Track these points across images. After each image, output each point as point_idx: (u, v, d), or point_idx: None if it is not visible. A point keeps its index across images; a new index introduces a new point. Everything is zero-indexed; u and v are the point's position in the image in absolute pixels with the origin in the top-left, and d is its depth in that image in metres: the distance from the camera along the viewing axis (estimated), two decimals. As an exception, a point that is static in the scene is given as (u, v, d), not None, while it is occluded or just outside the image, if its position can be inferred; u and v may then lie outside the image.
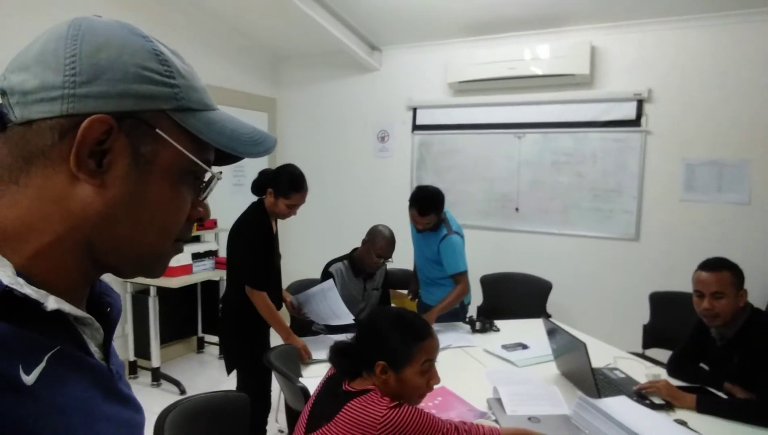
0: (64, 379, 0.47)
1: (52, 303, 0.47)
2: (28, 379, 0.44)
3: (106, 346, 0.56)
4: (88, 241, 0.51)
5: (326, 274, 3.05)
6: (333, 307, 2.77)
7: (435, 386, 1.53)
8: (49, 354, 0.46)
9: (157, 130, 0.52)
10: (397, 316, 1.56)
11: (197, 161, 0.55)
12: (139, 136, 0.51)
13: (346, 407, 1.39)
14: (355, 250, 3.15)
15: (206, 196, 0.61)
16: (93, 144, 0.49)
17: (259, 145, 0.59)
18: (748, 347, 2.06)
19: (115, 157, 0.50)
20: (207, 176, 0.59)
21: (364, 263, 3.06)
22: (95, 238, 0.51)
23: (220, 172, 0.60)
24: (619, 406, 1.86)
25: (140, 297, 3.97)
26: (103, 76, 0.49)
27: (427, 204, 2.92)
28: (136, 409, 0.59)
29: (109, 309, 0.60)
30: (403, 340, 1.45)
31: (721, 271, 2.12)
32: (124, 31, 0.52)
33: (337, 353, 1.52)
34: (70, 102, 0.48)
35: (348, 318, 2.75)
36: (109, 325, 0.57)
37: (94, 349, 0.53)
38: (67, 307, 0.48)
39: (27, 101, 0.48)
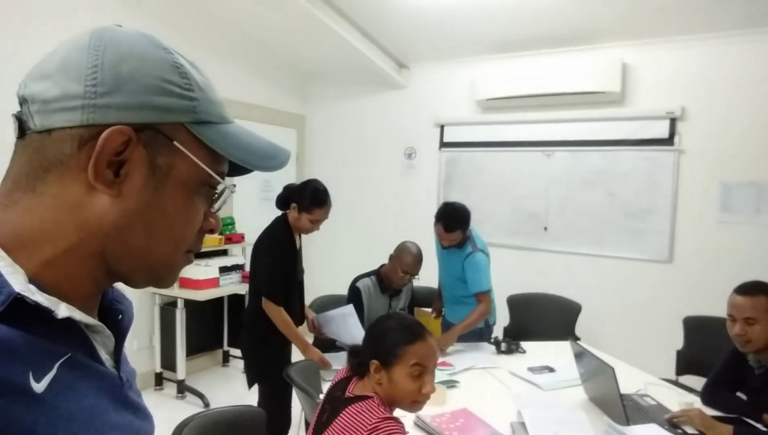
0: (75, 387, 0.47)
1: (63, 310, 0.47)
2: (39, 387, 0.43)
3: (117, 354, 0.56)
4: (102, 250, 0.51)
5: (354, 290, 3.04)
6: (352, 330, 2.74)
7: (448, 406, 1.53)
8: (60, 361, 0.46)
9: (175, 143, 0.52)
10: (396, 318, 1.62)
11: (212, 174, 0.55)
12: (157, 148, 0.52)
13: (344, 412, 1.42)
14: (382, 266, 3.14)
15: (219, 208, 0.61)
16: (112, 154, 0.49)
17: (273, 159, 0.60)
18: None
19: (132, 168, 0.50)
20: (220, 188, 0.59)
21: (391, 279, 3.04)
22: (109, 248, 0.51)
23: (234, 185, 0.60)
24: (649, 434, 1.78)
25: (168, 309, 4.02)
26: (124, 87, 0.49)
27: (453, 220, 2.91)
28: (146, 417, 0.59)
29: (120, 316, 0.60)
30: (395, 339, 1.49)
31: (757, 295, 2.03)
32: (146, 42, 0.53)
33: (350, 353, 1.59)
34: (91, 112, 0.48)
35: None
36: (120, 332, 0.57)
37: (104, 356, 0.54)
38: (78, 315, 0.48)
39: (47, 110, 0.49)
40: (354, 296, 3.03)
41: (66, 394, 0.46)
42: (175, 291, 3.94)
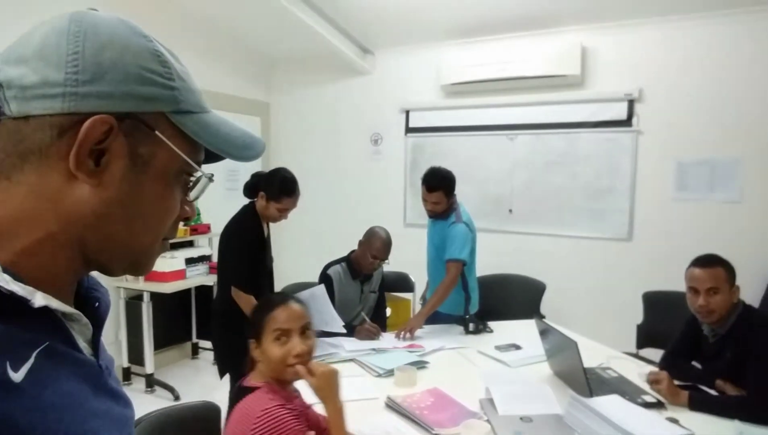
0: (53, 376, 0.47)
1: (39, 299, 0.46)
2: (16, 377, 0.43)
3: (95, 342, 0.56)
4: (80, 239, 0.51)
5: (325, 277, 3.05)
6: (323, 311, 2.75)
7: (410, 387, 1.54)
8: (37, 350, 0.46)
9: (157, 133, 0.52)
10: (264, 297, 1.70)
11: (192, 164, 0.56)
12: (138, 137, 0.51)
13: (235, 408, 1.45)
14: (352, 252, 3.15)
15: (197, 197, 0.61)
16: (93, 143, 0.49)
17: (250, 149, 0.60)
18: (739, 344, 2.06)
19: (113, 157, 0.50)
20: (196, 175, 0.59)
21: (361, 265, 3.05)
22: (88, 237, 0.51)
23: (212, 175, 0.60)
24: (611, 405, 1.86)
25: (134, 303, 3.95)
26: (106, 75, 0.49)
27: (435, 179, 2.96)
28: (126, 403, 0.59)
29: (97, 304, 0.59)
30: (259, 314, 1.54)
31: (715, 266, 2.12)
32: (126, 29, 0.52)
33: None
34: (72, 100, 0.48)
35: (337, 325, 2.74)
36: (97, 320, 0.57)
37: (83, 344, 0.53)
38: (55, 304, 0.48)
39: (26, 96, 0.48)
40: (325, 283, 3.04)
41: (45, 383, 0.46)
42: (140, 284, 3.87)
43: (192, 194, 0.60)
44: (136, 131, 0.51)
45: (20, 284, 0.46)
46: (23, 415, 0.43)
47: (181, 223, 0.62)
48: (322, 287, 2.84)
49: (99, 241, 0.52)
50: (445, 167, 3.07)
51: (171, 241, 0.62)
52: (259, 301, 1.63)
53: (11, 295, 0.45)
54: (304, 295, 2.78)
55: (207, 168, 0.62)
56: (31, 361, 0.45)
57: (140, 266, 0.58)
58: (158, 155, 0.53)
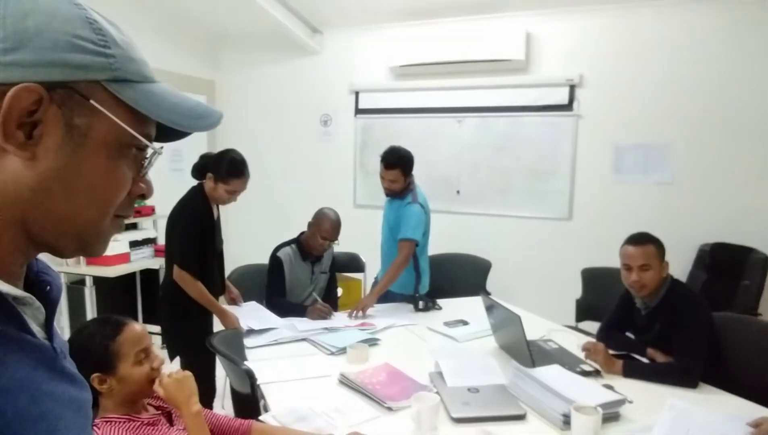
0: (6, 361, 0.46)
1: None
2: None
3: (48, 325, 0.55)
4: (22, 217, 0.49)
5: (275, 259, 3.04)
6: (261, 317, 2.79)
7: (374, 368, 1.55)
8: None
9: (92, 101, 0.50)
10: (87, 325, 1.48)
11: (135, 134, 0.53)
12: (73, 108, 0.49)
13: None
14: (302, 233, 3.15)
15: (146, 172, 0.59)
16: (22, 115, 0.46)
17: (203, 119, 0.58)
18: (668, 315, 2.22)
19: (46, 129, 0.48)
20: (149, 152, 0.57)
21: (311, 246, 3.06)
22: (29, 215, 0.49)
23: (161, 147, 0.58)
24: (552, 374, 1.97)
25: (76, 287, 3.82)
26: (30, 43, 0.46)
27: (393, 158, 3.01)
28: (83, 386, 0.58)
29: (48, 287, 0.58)
30: (102, 342, 1.39)
31: (646, 244, 2.26)
32: None
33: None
34: None
35: (275, 322, 2.76)
36: (50, 304, 0.56)
37: (35, 328, 0.52)
38: (6, 287, 0.47)
39: None
40: (275, 266, 3.04)
41: None
42: (82, 268, 3.74)
43: (143, 170, 0.58)
44: (70, 101, 0.49)
45: None
46: None
47: (142, 199, 0.61)
48: (253, 303, 2.94)
49: (41, 219, 0.50)
50: (404, 147, 3.10)
51: (130, 217, 0.60)
52: (89, 332, 1.42)
53: None
54: (241, 310, 2.82)
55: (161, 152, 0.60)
56: None
57: (89, 246, 0.55)
58: (97, 126, 0.51)
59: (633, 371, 2.14)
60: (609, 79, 4.05)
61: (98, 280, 3.78)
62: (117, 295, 4.25)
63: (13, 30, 0.46)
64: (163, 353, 2.70)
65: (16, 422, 0.45)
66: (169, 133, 0.59)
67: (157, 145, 0.57)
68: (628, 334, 2.46)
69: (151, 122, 0.56)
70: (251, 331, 2.61)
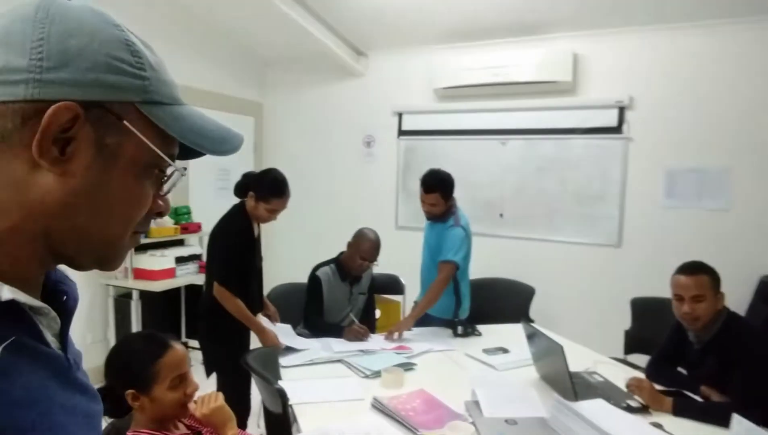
0: (21, 370, 0.46)
1: (6, 293, 0.46)
2: None
3: (63, 336, 0.55)
4: (45, 230, 0.50)
5: (313, 278, 3.05)
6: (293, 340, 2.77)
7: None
8: (3, 345, 0.45)
9: (125, 122, 0.51)
10: (133, 339, 1.55)
11: (162, 156, 0.54)
12: (106, 127, 0.50)
13: None
14: (341, 253, 3.15)
15: (169, 191, 0.60)
16: (57, 131, 0.47)
17: (226, 144, 0.59)
18: (724, 351, 2.08)
19: (79, 146, 0.49)
20: (170, 170, 0.58)
21: (350, 267, 3.06)
22: (53, 228, 0.50)
23: (185, 168, 0.59)
24: (596, 408, 1.87)
25: (122, 301, 3.93)
26: (71, 63, 0.48)
27: (432, 182, 2.96)
28: (95, 398, 0.58)
29: (65, 297, 0.58)
30: (142, 360, 1.42)
31: (699, 274, 2.14)
32: (96, 18, 0.51)
33: (103, 399, 1.47)
34: (35, 87, 0.47)
35: (303, 344, 2.74)
36: (65, 313, 0.56)
37: (50, 338, 0.52)
38: (23, 297, 0.47)
39: None
40: (314, 285, 3.04)
41: (12, 378, 0.45)
42: (129, 282, 3.86)
43: (164, 188, 0.59)
44: (103, 120, 0.50)
45: None
46: None
47: (160, 217, 0.62)
48: (286, 327, 2.90)
49: (64, 233, 0.51)
50: (444, 170, 3.06)
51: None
52: (133, 348, 1.47)
53: None
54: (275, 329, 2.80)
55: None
56: None
57: (108, 260, 0.56)
58: (126, 146, 0.52)
59: (684, 410, 2.00)
60: (660, 100, 3.91)
61: (144, 294, 3.88)
62: (162, 309, 4.34)
63: (57, 50, 0.47)
64: (201, 369, 2.73)
65: (27, 433, 0.45)
66: (187, 151, 0.59)
67: (180, 165, 0.58)
68: (679, 369, 2.32)
69: (176, 142, 0.57)
70: (289, 349, 2.60)
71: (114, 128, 0.51)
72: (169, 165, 0.57)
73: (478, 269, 3.87)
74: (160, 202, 0.59)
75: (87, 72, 0.48)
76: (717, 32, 3.72)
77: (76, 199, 0.50)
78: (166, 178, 0.59)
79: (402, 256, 3.63)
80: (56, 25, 0.48)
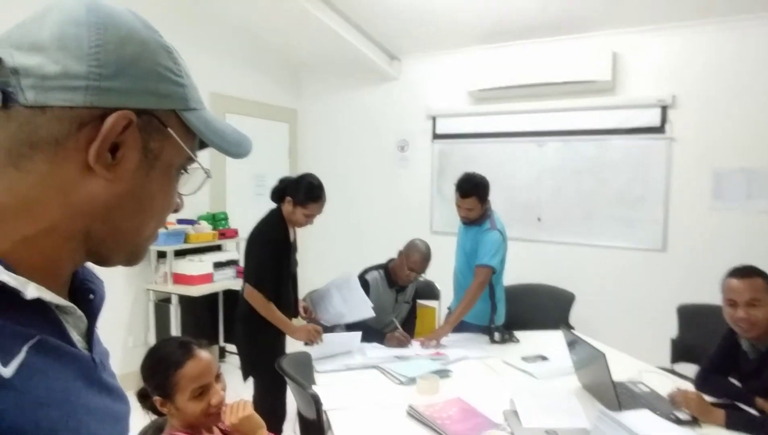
0: (45, 371, 0.46)
1: (32, 291, 0.45)
2: (6, 372, 0.42)
3: (90, 335, 0.55)
4: (86, 230, 0.51)
5: (363, 282, 3.04)
6: (351, 298, 2.78)
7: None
8: (29, 344, 0.45)
9: (168, 129, 0.53)
10: (161, 345, 1.54)
11: (195, 159, 0.57)
12: (150, 133, 0.52)
13: None
14: (391, 260, 3.14)
15: (195, 192, 0.62)
16: (113, 138, 0.49)
17: (242, 146, 0.61)
18: (781, 361, 1.96)
19: (127, 152, 0.51)
20: (193, 169, 0.60)
21: (398, 275, 3.05)
22: (94, 228, 0.52)
23: (209, 170, 0.61)
24: (641, 420, 1.79)
25: (162, 305, 4.01)
26: (126, 71, 0.49)
27: (468, 186, 2.92)
28: (121, 398, 0.58)
29: (92, 296, 0.58)
30: (165, 369, 1.42)
31: (754, 277, 2.03)
32: (140, 23, 0.53)
33: (139, 398, 1.50)
34: (93, 94, 0.48)
35: (365, 309, 2.75)
36: (92, 312, 0.56)
37: (76, 338, 0.52)
38: (49, 296, 0.47)
39: (44, 86, 0.47)
40: (363, 288, 3.03)
41: (36, 378, 0.45)
42: (168, 287, 3.93)
43: (188, 189, 0.61)
44: (149, 127, 0.52)
45: (12, 275, 0.45)
46: (13, 412, 0.42)
47: (175, 213, 0.64)
48: (354, 275, 2.89)
49: (105, 233, 0.53)
50: (479, 173, 3.02)
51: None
52: (159, 355, 1.48)
53: (2, 286, 0.44)
54: (335, 281, 2.81)
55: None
56: (22, 355, 0.44)
57: (137, 257, 0.59)
58: (166, 150, 0.54)
59: (738, 423, 1.89)
60: (705, 99, 3.76)
61: (183, 299, 3.95)
62: (200, 313, 4.41)
63: (114, 57, 0.49)
64: (238, 374, 2.75)
65: (50, 434, 0.45)
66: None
67: (205, 165, 0.61)
68: (732, 380, 2.20)
69: (197, 143, 0.59)
70: (327, 344, 2.61)
71: (157, 133, 0.53)
72: (195, 165, 0.59)
73: (516, 275, 3.79)
74: (178, 200, 0.61)
75: (139, 80, 0.50)
76: (762, 26, 3.55)
77: (121, 201, 0.52)
78: (182, 175, 0.61)
79: (437, 262, 3.56)
80: (110, 31, 0.49)
